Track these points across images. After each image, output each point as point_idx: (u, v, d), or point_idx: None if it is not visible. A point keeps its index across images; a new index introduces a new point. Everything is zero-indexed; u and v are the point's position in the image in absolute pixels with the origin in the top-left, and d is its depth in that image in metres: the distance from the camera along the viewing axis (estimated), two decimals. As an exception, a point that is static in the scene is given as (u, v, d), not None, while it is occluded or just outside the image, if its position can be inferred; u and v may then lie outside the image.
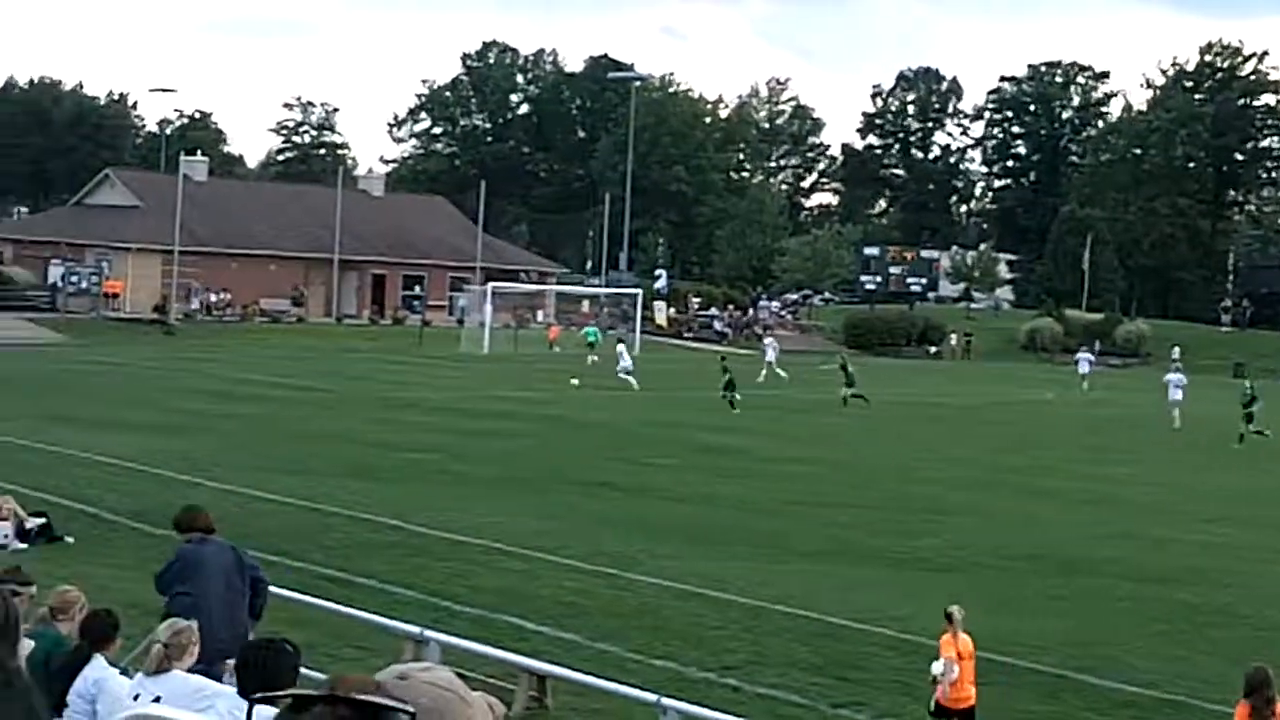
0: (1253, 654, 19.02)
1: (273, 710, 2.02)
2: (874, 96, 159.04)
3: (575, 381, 50.99)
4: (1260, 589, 23.57)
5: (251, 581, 12.08)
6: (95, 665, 9.52)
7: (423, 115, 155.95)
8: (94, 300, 75.61)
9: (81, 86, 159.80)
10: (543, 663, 14.39)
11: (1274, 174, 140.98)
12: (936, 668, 13.96)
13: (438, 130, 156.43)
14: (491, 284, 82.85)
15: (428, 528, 24.05)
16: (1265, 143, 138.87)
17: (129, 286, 79.95)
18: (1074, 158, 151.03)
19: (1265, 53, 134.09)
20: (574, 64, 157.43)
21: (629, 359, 58.77)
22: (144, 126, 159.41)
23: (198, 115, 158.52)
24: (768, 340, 70.23)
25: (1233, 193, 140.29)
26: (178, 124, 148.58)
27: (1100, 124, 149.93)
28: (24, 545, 20.70)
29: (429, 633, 13.95)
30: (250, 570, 12.16)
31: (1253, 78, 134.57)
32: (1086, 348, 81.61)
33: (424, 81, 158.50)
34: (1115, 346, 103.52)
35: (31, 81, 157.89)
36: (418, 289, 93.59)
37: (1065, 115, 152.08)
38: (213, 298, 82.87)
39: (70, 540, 21.56)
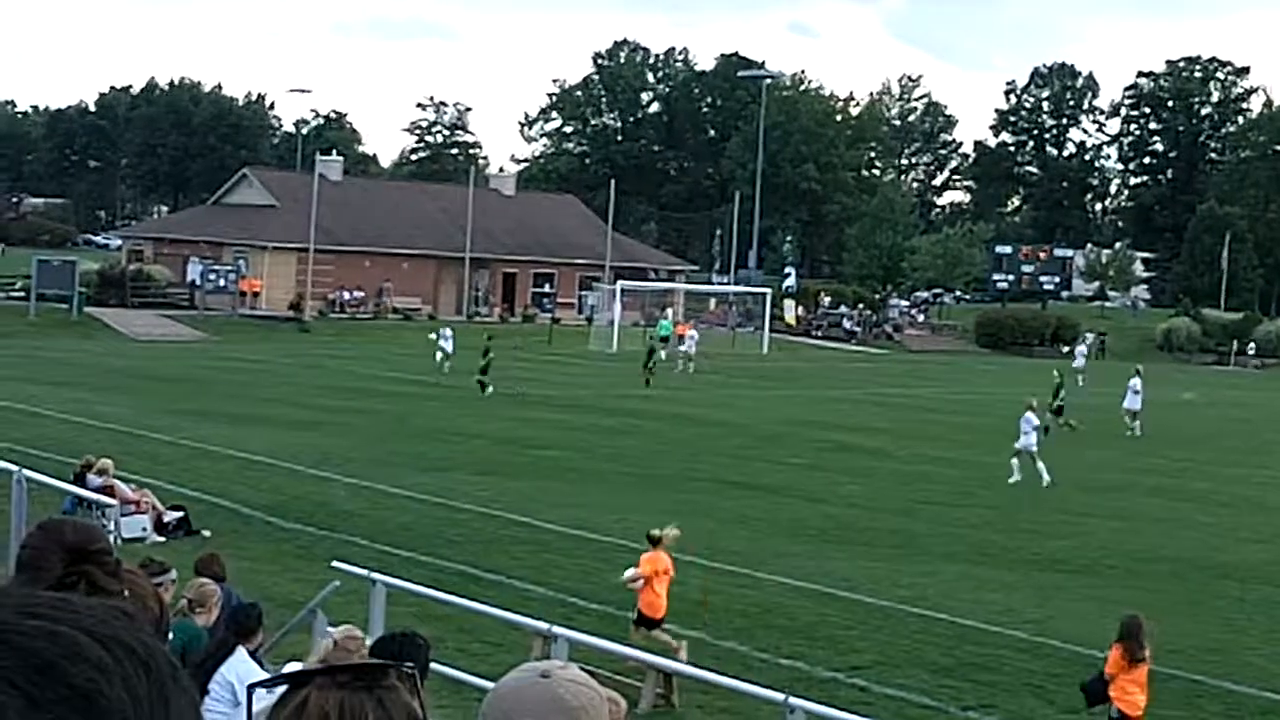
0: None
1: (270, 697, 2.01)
2: (1008, 93, 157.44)
3: None
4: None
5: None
6: (238, 657, 9.66)
7: (554, 114, 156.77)
8: (231, 298, 76.87)
9: (220, 88, 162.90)
10: (670, 660, 14.36)
11: None
12: (628, 573, 16.48)
13: (569, 129, 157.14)
14: (620, 282, 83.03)
15: (557, 524, 24.15)
16: None
17: (265, 284, 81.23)
18: (1213, 154, 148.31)
19: None
20: (705, 62, 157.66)
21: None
22: (281, 127, 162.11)
23: (333, 115, 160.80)
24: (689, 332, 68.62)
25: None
26: (314, 124, 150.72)
27: (1240, 120, 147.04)
28: (162, 538, 21.08)
29: (557, 629, 13.97)
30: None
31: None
32: (1087, 331, 79.75)
33: (555, 81, 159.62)
34: (1255, 347, 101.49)
35: (172, 83, 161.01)
36: (548, 287, 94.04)
37: (1204, 111, 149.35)
38: (346, 295, 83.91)
39: (207, 534, 21.91)
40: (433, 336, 55.47)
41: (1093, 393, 54.66)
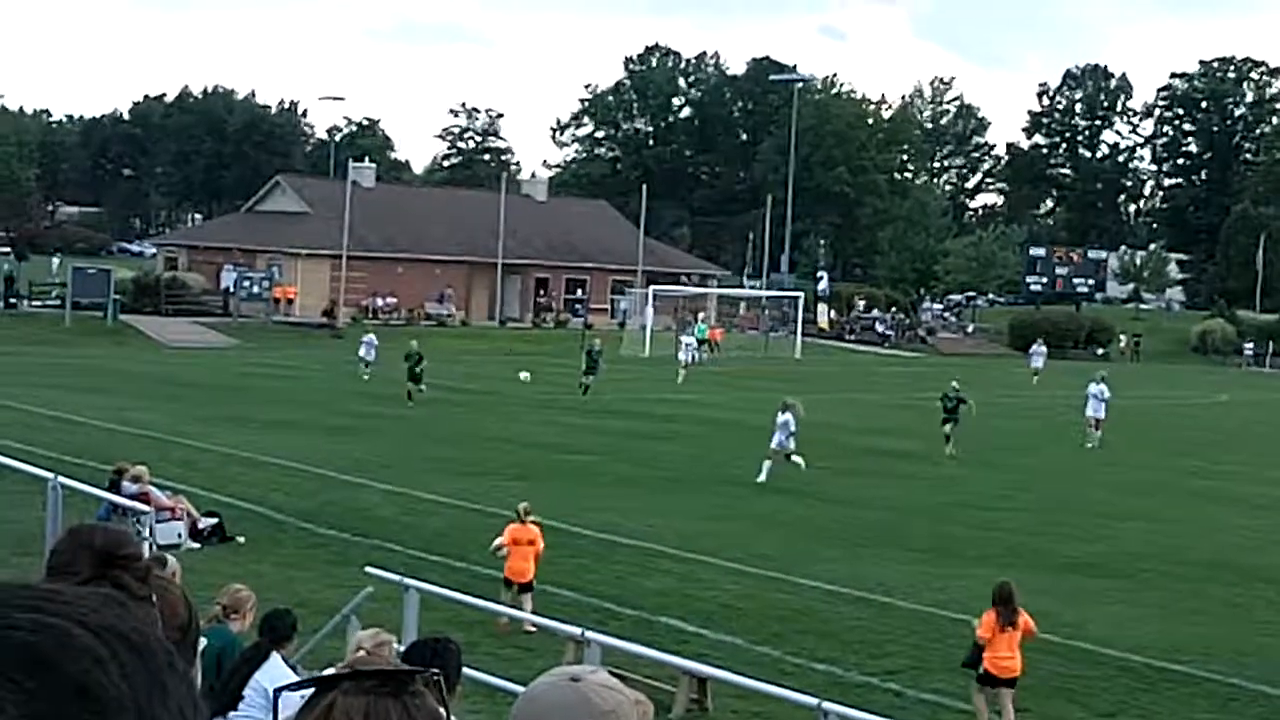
0: None
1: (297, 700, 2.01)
2: (1040, 95, 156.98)
3: (525, 375, 48.56)
4: None
5: None
6: (273, 663, 9.68)
7: (585, 120, 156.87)
8: (265, 305, 77.14)
9: (254, 95, 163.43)
10: (703, 665, 14.35)
11: None
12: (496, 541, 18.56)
13: (600, 134, 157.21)
14: (653, 287, 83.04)
15: (589, 529, 24.15)
16: None
17: (299, 291, 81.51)
18: (1247, 155, 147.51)
19: None
20: (736, 66, 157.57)
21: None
22: (314, 134, 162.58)
23: (365, 122, 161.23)
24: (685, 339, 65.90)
25: None
26: (346, 131, 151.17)
27: (1275, 120, 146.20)
28: (197, 545, 21.15)
29: (590, 634, 13.98)
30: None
31: None
32: (1041, 340, 77.44)
33: (587, 86, 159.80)
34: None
35: (206, 91, 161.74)
36: (580, 292, 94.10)
37: (1238, 112, 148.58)
38: (379, 301, 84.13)
39: (241, 540, 21.99)
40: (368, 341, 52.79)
41: (1051, 396, 54.24)
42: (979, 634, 14.76)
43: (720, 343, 78.47)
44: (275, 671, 9.51)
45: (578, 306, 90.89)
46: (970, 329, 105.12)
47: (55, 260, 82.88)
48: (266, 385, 48.06)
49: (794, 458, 30.86)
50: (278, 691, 1.98)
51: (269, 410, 39.61)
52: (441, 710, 1.99)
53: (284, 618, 10.22)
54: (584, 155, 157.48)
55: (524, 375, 40.86)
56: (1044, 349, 73.88)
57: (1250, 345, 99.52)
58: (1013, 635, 14.66)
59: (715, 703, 14.71)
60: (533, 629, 16.16)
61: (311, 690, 1.97)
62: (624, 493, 28.71)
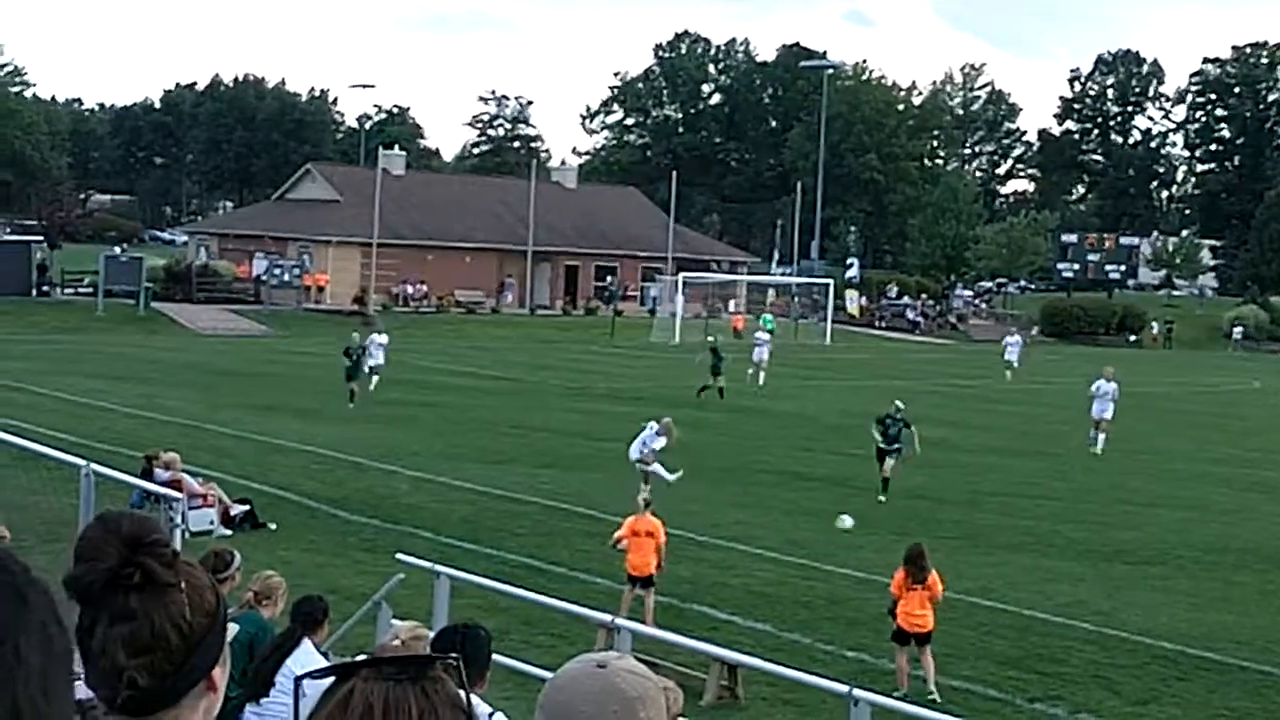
0: None
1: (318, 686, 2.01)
2: (1072, 80, 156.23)
3: (847, 521, 32.01)
4: None
5: None
6: (304, 649, 9.69)
7: (615, 107, 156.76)
8: (296, 292, 77.31)
9: (284, 83, 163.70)
10: (734, 652, 14.33)
11: None
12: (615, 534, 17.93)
13: (630, 121, 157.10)
14: (683, 274, 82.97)
15: (620, 516, 24.07)
16: None
17: (329, 278, 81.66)
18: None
19: None
20: (766, 53, 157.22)
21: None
22: (344, 122, 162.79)
23: (395, 110, 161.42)
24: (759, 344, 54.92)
25: None
26: (376, 119, 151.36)
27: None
28: (229, 531, 21.21)
29: (620, 620, 13.98)
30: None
31: None
32: (1018, 329, 72.98)
33: (616, 73, 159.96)
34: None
35: (236, 79, 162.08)
36: (610, 279, 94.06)
37: (1271, 98, 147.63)
38: (409, 289, 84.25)
39: (273, 526, 22.05)
40: (377, 338, 43.66)
41: (1009, 390, 53.88)
42: (891, 590, 15.90)
43: (743, 331, 78.40)
44: (306, 658, 9.51)
45: (608, 293, 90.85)
46: (1000, 314, 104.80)
47: (118, 249, 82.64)
48: (297, 373, 48.19)
49: (666, 475, 25.90)
50: (298, 680, 1.97)
51: (300, 398, 39.71)
52: (462, 695, 1.98)
53: (315, 604, 10.23)
54: (613, 142, 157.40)
55: (846, 521, 24.45)
56: (1019, 339, 65.21)
57: (1239, 329, 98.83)
58: (921, 594, 15.50)
59: (746, 690, 14.69)
60: (651, 627, 15.51)
61: (332, 677, 1.97)
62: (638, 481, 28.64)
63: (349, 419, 35.60)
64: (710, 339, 49.10)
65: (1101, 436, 37.03)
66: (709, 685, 14.52)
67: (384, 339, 43.89)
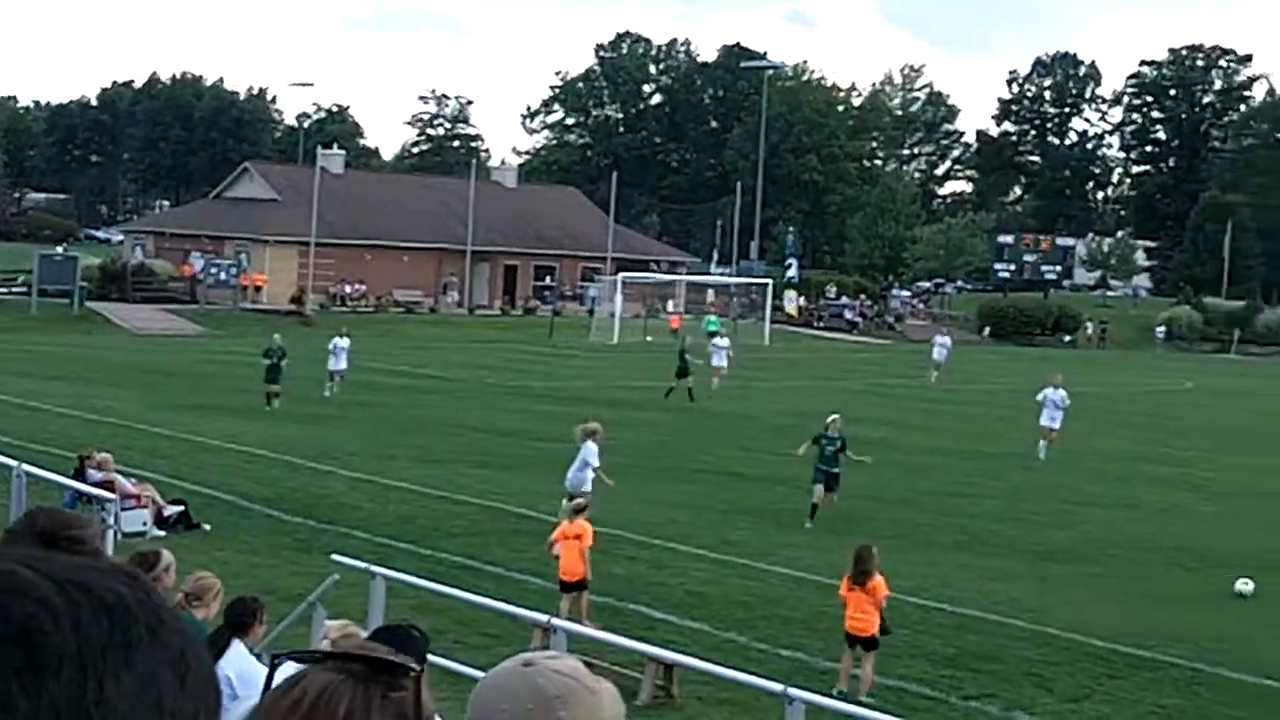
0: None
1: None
2: (1010, 82, 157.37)
3: (1246, 587, 26.66)
4: None
5: None
6: (235, 651, 9.63)
7: (556, 106, 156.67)
8: (233, 292, 76.81)
9: (222, 82, 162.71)
10: (670, 651, 14.35)
11: None
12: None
13: (570, 121, 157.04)
14: (622, 274, 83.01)
15: (557, 516, 24.09)
16: None
17: (267, 278, 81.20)
18: (1215, 143, 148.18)
19: None
20: (707, 54, 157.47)
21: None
22: (282, 120, 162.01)
23: (335, 109, 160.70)
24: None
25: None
26: (315, 118, 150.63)
27: (1242, 108, 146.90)
28: (162, 532, 21.05)
29: (556, 620, 13.98)
30: None
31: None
32: (947, 330, 70.51)
33: (557, 73, 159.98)
34: (1256, 335, 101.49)
35: (174, 77, 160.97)
36: (549, 279, 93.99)
37: (1206, 100, 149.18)
38: (347, 289, 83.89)
39: (207, 527, 21.91)
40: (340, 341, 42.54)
41: (947, 390, 54.17)
42: (839, 593, 15.98)
43: (680, 330, 78.55)
44: (239, 660, 9.46)
45: (546, 294, 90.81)
46: (937, 315, 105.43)
47: (59, 249, 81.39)
48: (234, 373, 47.85)
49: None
50: (276, 659, 1.95)
51: (236, 398, 39.44)
52: (426, 699, 1.95)
53: (246, 605, 10.17)
54: (554, 142, 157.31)
55: (1245, 587, 22.17)
56: (948, 339, 63.13)
57: (1163, 329, 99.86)
58: (862, 596, 15.51)
59: (682, 689, 14.71)
60: (592, 630, 15.02)
61: (303, 665, 1.94)
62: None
63: (283, 419, 35.40)
64: (679, 341, 49.03)
65: (1044, 444, 35.94)
66: (644, 685, 14.53)
67: (346, 342, 42.52)
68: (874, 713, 12.56)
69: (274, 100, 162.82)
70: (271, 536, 21.60)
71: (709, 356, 50.83)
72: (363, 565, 14.24)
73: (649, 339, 75.93)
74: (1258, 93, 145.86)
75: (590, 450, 22.49)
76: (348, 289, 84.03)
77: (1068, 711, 15.22)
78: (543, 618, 14.43)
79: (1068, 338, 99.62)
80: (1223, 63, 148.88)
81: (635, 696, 14.18)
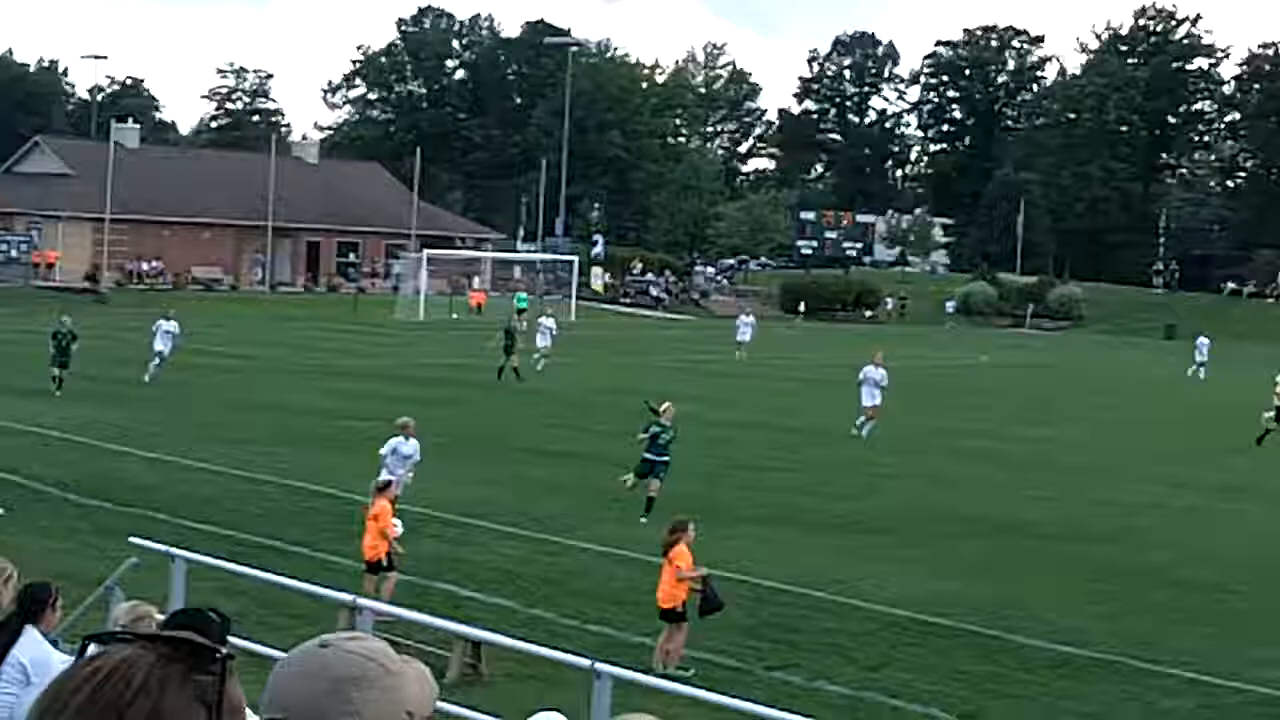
0: (1182, 613, 19.27)
1: None
2: (810, 61, 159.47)
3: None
4: (1190, 549, 23.84)
5: None
6: (29, 638, 9.37)
7: (358, 82, 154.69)
8: (25, 269, 74.69)
9: (11, 53, 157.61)
10: (477, 629, 14.32)
11: (1205, 137, 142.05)
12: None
13: (373, 97, 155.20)
14: (427, 251, 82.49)
15: (361, 495, 23.85)
16: (1197, 106, 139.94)
17: (61, 255, 79.11)
18: (1009, 122, 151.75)
19: (1198, 16, 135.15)
20: (510, 29, 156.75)
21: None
22: (75, 94, 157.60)
23: (129, 82, 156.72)
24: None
25: (1164, 156, 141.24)
26: (109, 91, 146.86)
27: (1035, 88, 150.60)
28: (-49, 517, 20.41)
29: (362, 600, 13.86)
30: None
31: (1185, 41, 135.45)
32: (749, 309, 71.15)
33: (359, 48, 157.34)
34: (1048, 310, 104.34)
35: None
36: (353, 256, 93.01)
37: (1000, 80, 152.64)
38: (144, 266, 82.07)
39: (1, 511, 21.29)
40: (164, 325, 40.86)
41: (752, 365, 54.97)
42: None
43: (484, 307, 78.35)
44: (32, 647, 9.21)
45: (350, 271, 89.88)
46: (741, 291, 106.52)
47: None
48: (25, 352, 46.53)
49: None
50: (85, 641, 1.91)
51: (28, 378, 38.31)
52: (228, 692, 1.92)
53: (40, 591, 9.90)
54: (357, 118, 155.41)
55: None
56: (752, 319, 63.60)
57: (951, 304, 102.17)
58: (666, 568, 15.76)
59: (491, 666, 14.69)
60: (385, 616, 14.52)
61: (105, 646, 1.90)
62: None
63: (80, 399, 34.53)
64: (507, 320, 48.72)
65: (869, 423, 35.76)
66: (452, 663, 14.48)
67: (173, 325, 40.78)
68: (678, 685, 12.70)
69: (65, 73, 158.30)
70: (69, 520, 21.10)
71: (535, 336, 50.55)
72: (162, 548, 13.98)
73: (454, 316, 75.66)
74: (1049, 74, 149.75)
75: (399, 444, 21.78)
76: (144, 266, 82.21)
77: (868, 680, 15.51)
78: (348, 598, 14.30)
79: (869, 313, 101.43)
80: (1016, 44, 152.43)
81: (443, 675, 14.13)
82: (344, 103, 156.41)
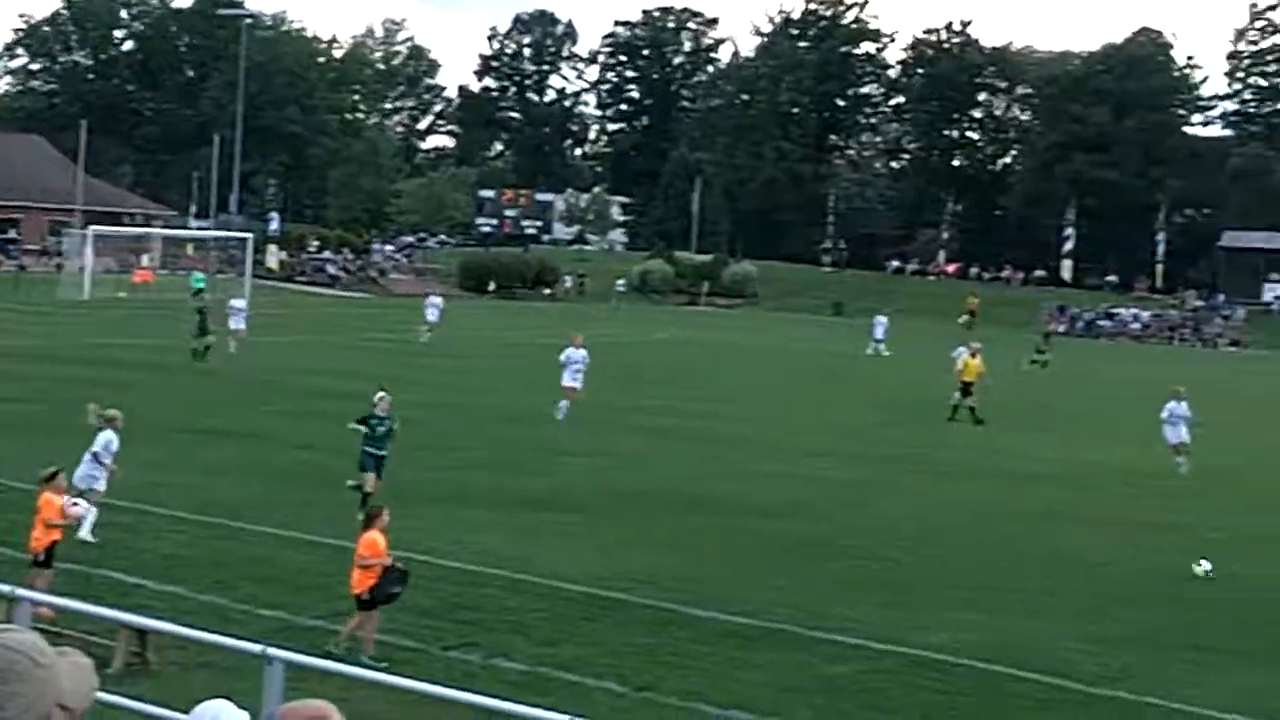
0: (849, 583, 19.95)
1: None
2: (490, 38, 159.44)
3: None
4: (857, 521, 24.70)
5: None
6: None
7: (19, 51, 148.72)
8: None
9: None
10: (142, 617, 13.92)
11: (872, 120, 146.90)
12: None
13: (36, 67, 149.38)
14: (93, 227, 79.70)
15: (23, 482, 22.95)
16: (865, 90, 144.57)
17: None
18: (686, 103, 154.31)
19: (865, 2, 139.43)
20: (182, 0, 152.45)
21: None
22: None
23: None
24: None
25: (834, 138, 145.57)
26: None
27: (710, 70, 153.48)
28: None
29: (21, 591, 13.32)
30: None
31: (854, 26, 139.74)
32: (437, 290, 71.65)
33: (21, 16, 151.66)
34: (723, 288, 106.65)
35: None
36: (13, 233, 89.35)
37: (677, 61, 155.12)
38: None
39: None
40: None
41: (435, 344, 55.42)
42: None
43: (151, 285, 76.32)
44: None
45: (9, 247, 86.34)
46: (420, 269, 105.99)
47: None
48: None
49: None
50: None
51: None
52: None
53: None
54: (18, 89, 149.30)
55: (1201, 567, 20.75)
56: (439, 300, 63.36)
57: (621, 282, 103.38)
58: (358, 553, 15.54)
59: (158, 655, 14.30)
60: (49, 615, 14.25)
61: None
62: (65, 443, 27.35)
63: None
64: (197, 301, 47.31)
65: (565, 404, 35.70)
66: (117, 653, 14.05)
67: None
68: (354, 668, 12.59)
69: None
70: None
71: (228, 320, 49.05)
72: None
73: (121, 294, 73.37)
74: (724, 55, 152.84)
75: (110, 439, 20.61)
76: None
77: (545, 655, 15.60)
78: (5, 588, 13.74)
79: (548, 291, 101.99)
80: (691, 25, 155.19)
81: (108, 666, 13.70)
82: (4, 73, 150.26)
